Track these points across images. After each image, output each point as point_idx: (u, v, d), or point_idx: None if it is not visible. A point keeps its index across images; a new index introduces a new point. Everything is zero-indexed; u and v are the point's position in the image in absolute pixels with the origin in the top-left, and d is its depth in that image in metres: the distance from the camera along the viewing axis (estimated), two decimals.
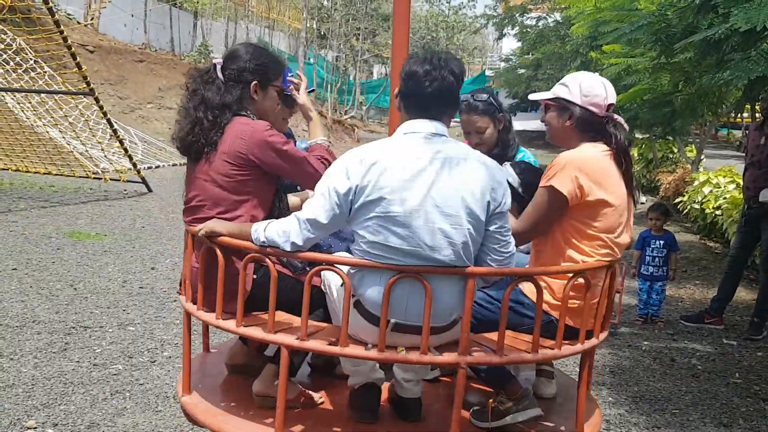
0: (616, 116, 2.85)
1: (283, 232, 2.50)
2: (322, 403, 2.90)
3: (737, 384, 5.11)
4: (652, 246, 6.53)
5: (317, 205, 2.49)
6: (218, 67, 3.00)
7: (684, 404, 4.69)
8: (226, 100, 2.91)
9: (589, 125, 2.84)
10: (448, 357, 2.45)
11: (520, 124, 28.38)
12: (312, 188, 2.63)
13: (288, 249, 2.50)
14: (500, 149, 3.67)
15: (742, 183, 6.72)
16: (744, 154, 6.72)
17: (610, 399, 4.72)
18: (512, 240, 2.60)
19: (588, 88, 2.84)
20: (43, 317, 5.60)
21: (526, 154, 3.75)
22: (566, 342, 2.65)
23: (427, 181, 2.43)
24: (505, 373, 2.81)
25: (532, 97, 3.18)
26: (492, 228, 2.52)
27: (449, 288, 2.48)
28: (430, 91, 2.51)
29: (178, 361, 4.88)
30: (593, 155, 2.79)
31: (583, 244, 2.76)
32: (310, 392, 2.89)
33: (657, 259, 6.50)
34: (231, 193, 2.83)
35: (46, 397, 4.18)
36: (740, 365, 5.51)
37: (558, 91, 2.92)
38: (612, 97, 2.86)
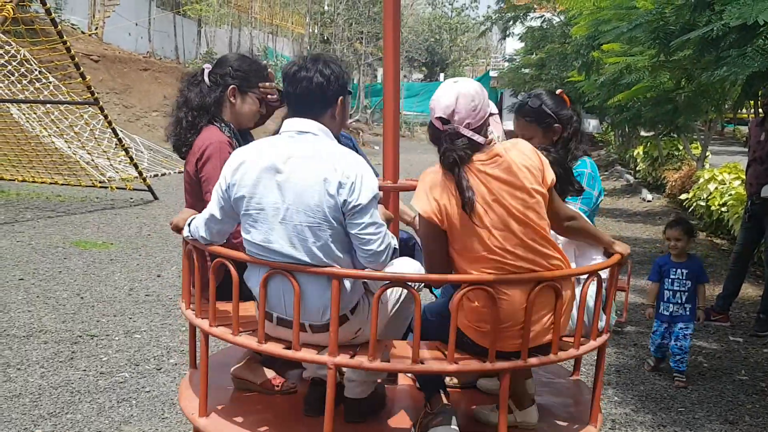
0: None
1: (196, 226, 2.74)
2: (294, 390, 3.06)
3: (743, 381, 5.10)
4: (672, 277, 5.10)
5: (212, 200, 2.71)
6: (206, 71, 3.24)
7: (690, 402, 4.68)
8: (205, 102, 3.16)
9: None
10: (317, 356, 2.51)
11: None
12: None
13: (202, 241, 2.73)
14: None
15: (745, 179, 6.68)
16: (747, 150, 6.69)
17: (616, 398, 4.72)
18: (378, 238, 2.54)
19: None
20: (50, 327, 5.63)
21: (585, 165, 3.42)
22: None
23: (279, 179, 2.54)
24: (433, 384, 2.78)
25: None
26: (353, 227, 2.54)
27: (318, 286, 2.52)
28: (298, 91, 2.64)
29: (184, 368, 4.91)
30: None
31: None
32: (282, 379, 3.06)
33: (679, 295, 5.07)
34: (190, 195, 3.18)
35: (53, 406, 4.21)
36: (746, 362, 5.50)
37: None
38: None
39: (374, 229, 2.53)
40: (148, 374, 4.81)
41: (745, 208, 6.59)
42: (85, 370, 4.79)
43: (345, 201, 2.49)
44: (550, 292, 2.51)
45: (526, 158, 2.57)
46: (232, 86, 3.20)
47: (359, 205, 2.49)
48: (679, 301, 5.03)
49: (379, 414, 2.88)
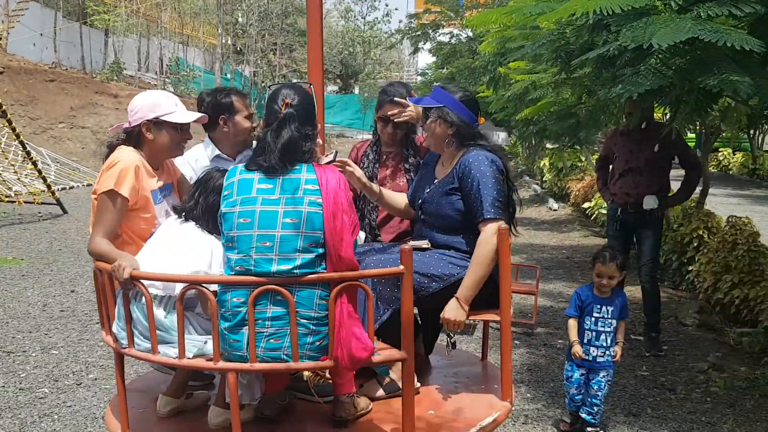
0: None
1: None
2: None
3: (645, 376, 5.43)
4: (596, 315, 4.21)
5: None
6: None
7: None
8: None
9: None
10: None
11: None
12: None
13: None
14: None
15: (609, 187, 6.25)
16: (605, 160, 6.40)
17: (528, 395, 4.98)
18: None
19: None
20: None
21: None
22: None
23: None
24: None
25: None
26: None
27: None
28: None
29: (104, 383, 4.89)
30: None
31: None
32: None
33: (603, 337, 4.20)
34: None
35: None
36: (647, 359, 5.84)
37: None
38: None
39: None
40: (68, 389, 4.77)
41: (613, 217, 6.20)
42: (3, 386, 4.72)
43: None
44: None
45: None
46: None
47: None
48: (604, 345, 4.20)
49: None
